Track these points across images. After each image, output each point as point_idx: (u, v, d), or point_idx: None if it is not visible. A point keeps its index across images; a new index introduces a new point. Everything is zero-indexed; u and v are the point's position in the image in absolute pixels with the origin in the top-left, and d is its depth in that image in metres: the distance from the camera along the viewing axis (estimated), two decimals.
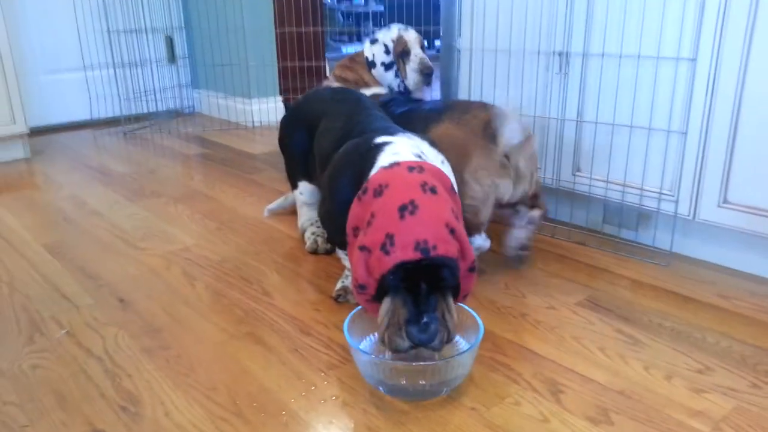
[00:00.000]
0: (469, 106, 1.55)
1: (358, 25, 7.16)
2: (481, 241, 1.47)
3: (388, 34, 2.06)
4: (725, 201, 1.46)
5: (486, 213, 1.44)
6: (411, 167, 1.11)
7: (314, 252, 1.68)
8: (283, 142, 1.69)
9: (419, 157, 1.17)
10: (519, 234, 1.55)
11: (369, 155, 1.22)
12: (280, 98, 3.50)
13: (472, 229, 1.42)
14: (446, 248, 1.02)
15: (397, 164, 1.13)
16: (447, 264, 1.02)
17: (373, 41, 2.08)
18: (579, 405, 1.06)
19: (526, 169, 1.45)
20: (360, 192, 1.14)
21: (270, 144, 3.02)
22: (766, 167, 1.39)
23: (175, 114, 3.68)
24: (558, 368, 1.16)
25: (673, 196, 1.54)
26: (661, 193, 1.56)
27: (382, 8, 6.86)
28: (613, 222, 1.74)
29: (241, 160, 2.71)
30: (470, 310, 1.16)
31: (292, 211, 2.00)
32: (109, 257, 1.69)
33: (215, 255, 1.69)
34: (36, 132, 3.25)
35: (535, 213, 1.53)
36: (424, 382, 1.05)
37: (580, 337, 1.26)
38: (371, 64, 2.07)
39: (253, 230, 1.88)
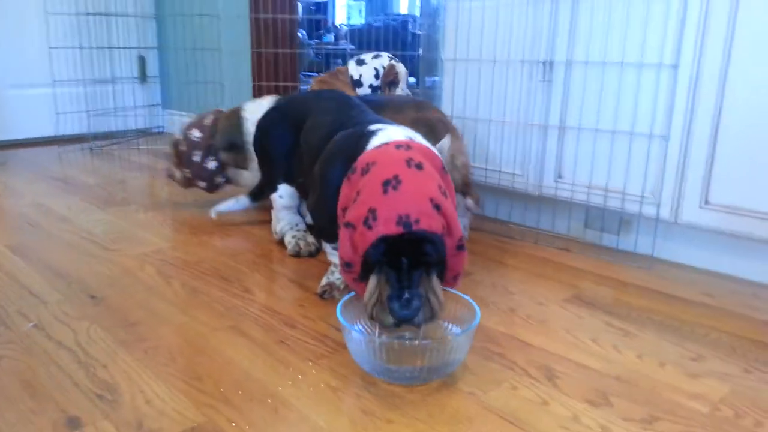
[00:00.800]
0: (402, 106, 1.68)
1: (328, 63, 7.24)
2: None
3: (378, 61, 2.08)
4: (706, 202, 1.49)
5: None
6: (398, 145, 1.11)
7: (297, 255, 1.64)
8: (262, 143, 1.64)
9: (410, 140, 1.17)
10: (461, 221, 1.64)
11: (361, 141, 1.21)
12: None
13: None
14: (429, 223, 1.00)
15: (385, 144, 1.13)
16: (430, 239, 1.00)
17: (360, 62, 2.10)
18: (576, 389, 1.03)
19: (456, 160, 1.62)
20: (349, 172, 1.12)
21: None
22: (746, 168, 1.42)
23: (143, 133, 3.61)
24: (552, 356, 1.14)
25: (655, 199, 1.56)
26: (642, 197, 1.58)
27: (352, 46, 6.97)
28: (595, 227, 1.75)
29: None
30: (465, 296, 1.13)
31: (266, 218, 1.97)
32: (78, 257, 1.62)
33: (191, 256, 1.64)
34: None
35: (470, 201, 1.67)
36: (420, 365, 1.01)
37: (571, 329, 1.25)
38: (357, 83, 2.09)
39: (228, 234, 1.83)
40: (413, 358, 1.01)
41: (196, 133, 1.93)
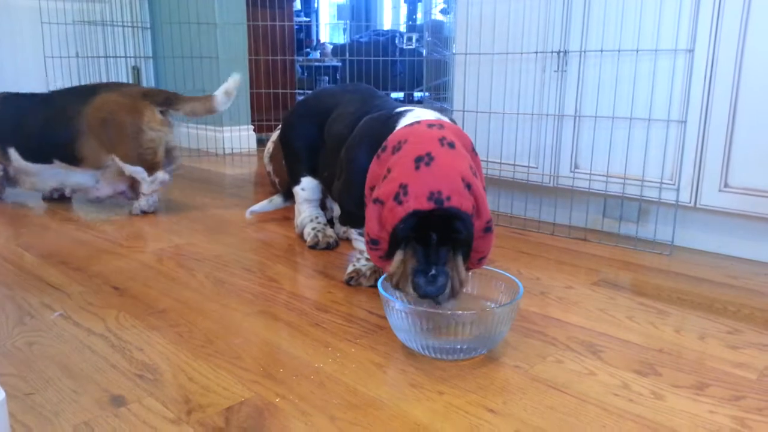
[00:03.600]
0: (113, 84, 2.06)
1: (315, 79, 7.26)
2: (162, 175, 1.97)
3: None
4: (726, 185, 1.50)
5: (161, 153, 1.96)
6: (431, 124, 1.11)
7: (314, 247, 1.63)
8: (287, 137, 1.64)
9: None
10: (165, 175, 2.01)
11: (389, 122, 1.21)
12: (251, 126, 3.47)
13: (153, 168, 1.95)
14: (460, 201, 1.00)
15: (417, 123, 1.13)
16: (460, 216, 1.00)
17: None
18: (622, 361, 1.03)
19: (187, 106, 2.03)
20: (379, 151, 1.12)
21: (245, 167, 2.96)
22: (765, 149, 1.44)
23: None
24: (591, 333, 1.14)
25: (674, 184, 1.58)
26: (662, 183, 1.60)
27: (339, 64, 7.00)
28: (613, 216, 1.76)
29: (218, 179, 2.65)
30: (505, 273, 1.13)
31: (283, 216, 1.95)
32: (94, 253, 1.59)
33: (209, 251, 1.62)
34: None
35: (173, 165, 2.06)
36: (463, 337, 1.00)
37: (605, 309, 1.25)
38: None
39: (245, 232, 1.81)
40: (456, 330, 1.00)
41: None
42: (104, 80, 3.37)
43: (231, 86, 2.06)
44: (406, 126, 1.14)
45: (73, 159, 1.99)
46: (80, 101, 1.99)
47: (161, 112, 1.99)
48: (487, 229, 1.07)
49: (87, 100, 1.98)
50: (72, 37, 3.29)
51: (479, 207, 1.04)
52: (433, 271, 1.00)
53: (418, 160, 1.03)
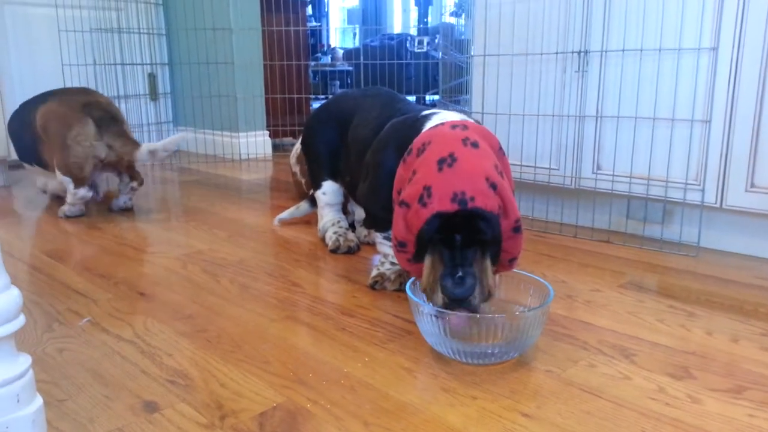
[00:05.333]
0: (68, 90, 2.11)
1: (326, 84, 7.27)
2: (84, 192, 2.00)
3: None
4: (752, 185, 1.49)
5: (88, 168, 1.97)
6: (454, 125, 1.10)
7: (336, 251, 1.63)
8: (309, 142, 1.64)
9: None
10: (122, 198, 2.14)
11: (416, 125, 1.21)
12: (267, 131, 3.48)
13: (78, 182, 1.97)
14: (484, 201, 0.99)
15: (441, 124, 1.12)
16: (484, 216, 0.99)
17: None
18: (655, 364, 1.01)
19: (112, 141, 1.99)
20: (405, 154, 1.12)
21: (262, 173, 2.97)
22: None
23: None
24: (622, 336, 1.12)
25: (699, 185, 1.56)
26: (686, 184, 1.58)
27: (351, 68, 7.00)
28: (637, 217, 1.74)
29: (235, 185, 2.65)
30: (534, 275, 1.12)
31: (304, 221, 1.95)
32: (118, 260, 1.59)
33: (233, 256, 1.62)
34: (13, 165, 3.13)
35: (135, 183, 2.11)
36: (494, 341, 0.99)
37: (634, 312, 1.23)
38: None
39: (265, 236, 1.81)
40: (488, 332, 0.99)
41: None
42: (121, 87, 3.39)
43: (167, 145, 2.00)
44: (430, 128, 1.14)
45: (41, 162, 2.11)
46: (34, 107, 2.09)
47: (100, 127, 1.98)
48: (516, 229, 1.06)
49: (38, 106, 2.07)
50: (89, 44, 3.31)
51: (506, 207, 1.03)
52: (459, 273, 0.98)
53: (441, 161, 1.02)
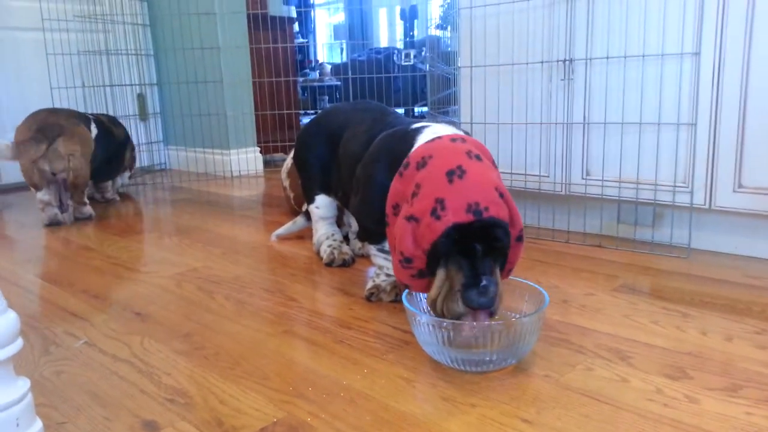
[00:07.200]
0: (49, 112, 2.33)
1: (315, 99, 7.29)
2: (41, 194, 2.23)
3: None
4: (740, 186, 1.51)
5: (35, 177, 2.19)
6: (453, 138, 1.11)
7: (330, 264, 1.63)
8: (301, 156, 1.65)
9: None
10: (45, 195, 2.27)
11: (407, 138, 1.22)
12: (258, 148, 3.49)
13: (34, 187, 2.22)
14: (498, 211, 1.00)
15: (438, 138, 1.13)
16: (501, 225, 1.00)
17: None
18: (652, 366, 1.02)
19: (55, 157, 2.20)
20: (401, 168, 1.12)
21: (254, 189, 2.97)
22: None
23: (147, 170, 3.60)
24: (618, 339, 1.13)
25: (687, 187, 1.58)
26: (675, 186, 1.60)
27: (339, 83, 7.03)
28: (628, 221, 1.76)
29: (228, 202, 2.65)
30: (528, 282, 1.13)
31: (298, 236, 1.96)
32: (112, 280, 1.59)
33: (227, 273, 1.62)
34: (4, 190, 3.12)
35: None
36: (491, 349, 1.00)
37: (628, 315, 1.24)
38: None
39: (260, 252, 1.81)
40: (485, 340, 1.00)
41: None
42: (110, 108, 3.39)
43: None
44: (427, 142, 1.14)
45: None
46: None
47: (39, 141, 2.16)
48: (519, 239, 1.07)
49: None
50: (77, 67, 3.31)
51: (513, 216, 1.05)
52: (483, 282, 0.97)
53: (450, 173, 1.02)
